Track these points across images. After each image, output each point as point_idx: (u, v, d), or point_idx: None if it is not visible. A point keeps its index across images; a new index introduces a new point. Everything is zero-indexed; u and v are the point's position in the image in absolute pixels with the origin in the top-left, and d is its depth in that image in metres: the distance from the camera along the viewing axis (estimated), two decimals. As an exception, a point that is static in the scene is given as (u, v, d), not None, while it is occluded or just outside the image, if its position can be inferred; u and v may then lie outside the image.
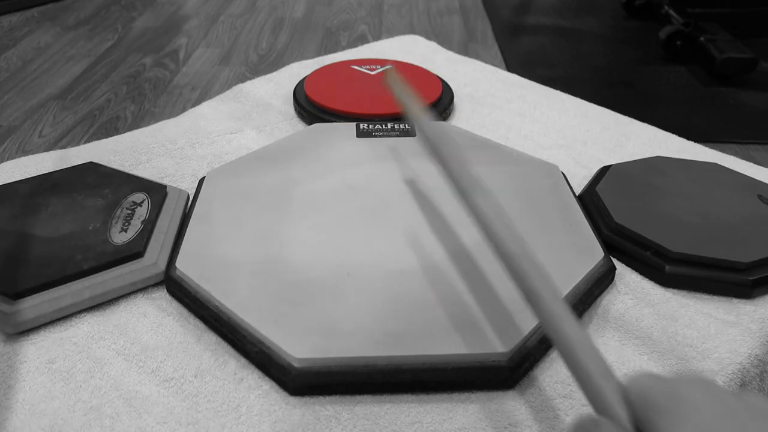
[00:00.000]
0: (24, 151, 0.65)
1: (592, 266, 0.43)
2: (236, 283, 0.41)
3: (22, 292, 0.40)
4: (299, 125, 0.67)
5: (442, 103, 0.69)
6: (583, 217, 0.49)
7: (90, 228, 0.45)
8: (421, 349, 0.37)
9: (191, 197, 0.52)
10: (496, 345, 0.37)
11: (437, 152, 0.38)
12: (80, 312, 0.42)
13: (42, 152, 0.62)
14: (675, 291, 0.45)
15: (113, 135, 0.66)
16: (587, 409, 0.36)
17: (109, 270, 0.42)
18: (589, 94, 0.77)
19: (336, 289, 0.41)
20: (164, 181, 0.54)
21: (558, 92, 0.76)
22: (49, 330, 0.41)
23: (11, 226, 0.45)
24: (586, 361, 0.26)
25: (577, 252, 0.45)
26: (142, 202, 0.49)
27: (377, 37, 0.97)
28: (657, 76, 1.01)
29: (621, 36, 1.19)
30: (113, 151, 0.60)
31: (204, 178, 0.53)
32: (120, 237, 0.44)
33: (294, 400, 0.36)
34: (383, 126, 0.62)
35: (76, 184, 0.50)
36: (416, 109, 0.43)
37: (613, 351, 0.40)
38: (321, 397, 0.36)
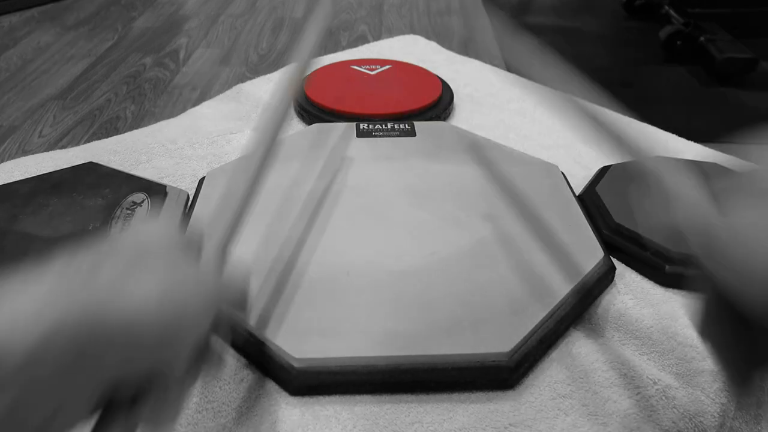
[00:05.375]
0: (24, 151, 0.65)
1: (592, 266, 0.43)
2: (236, 283, 0.41)
3: (22, 292, 0.40)
4: (299, 125, 0.67)
5: (442, 103, 0.69)
6: (583, 217, 0.49)
7: (90, 228, 0.45)
8: (421, 349, 0.37)
9: (191, 197, 0.52)
10: (496, 345, 0.37)
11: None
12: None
13: (42, 152, 0.62)
14: (675, 291, 0.45)
15: (113, 135, 0.66)
16: (587, 410, 0.36)
17: (109, 270, 0.42)
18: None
19: (336, 289, 0.41)
20: (164, 181, 0.54)
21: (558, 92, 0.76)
22: (49, 330, 0.40)
23: (11, 226, 0.45)
24: None
25: (577, 252, 0.45)
26: (142, 202, 0.48)
27: (377, 37, 0.97)
28: (657, 76, 1.01)
29: (621, 36, 1.19)
30: (113, 151, 0.60)
31: (204, 178, 0.53)
32: (120, 237, 0.44)
33: (294, 400, 0.36)
34: (383, 126, 0.62)
35: (76, 184, 0.50)
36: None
37: (613, 351, 0.40)
38: (321, 397, 0.36)
